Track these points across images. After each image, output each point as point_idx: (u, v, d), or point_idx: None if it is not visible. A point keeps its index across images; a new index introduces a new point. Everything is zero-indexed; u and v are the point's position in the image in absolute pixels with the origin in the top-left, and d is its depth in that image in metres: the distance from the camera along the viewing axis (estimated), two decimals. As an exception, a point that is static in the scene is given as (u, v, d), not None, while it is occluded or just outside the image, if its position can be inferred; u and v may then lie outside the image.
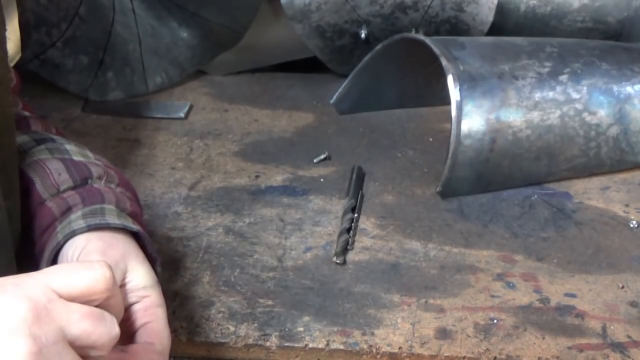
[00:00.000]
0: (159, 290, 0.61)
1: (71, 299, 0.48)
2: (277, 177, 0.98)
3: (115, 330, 0.49)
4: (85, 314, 0.47)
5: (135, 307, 0.59)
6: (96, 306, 0.50)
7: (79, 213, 0.64)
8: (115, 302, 0.52)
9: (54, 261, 0.62)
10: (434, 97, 1.11)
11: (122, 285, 0.59)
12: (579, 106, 0.94)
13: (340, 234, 0.85)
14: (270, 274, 0.81)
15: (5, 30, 0.64)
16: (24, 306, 0.45)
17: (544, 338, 0.72)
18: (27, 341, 0.44)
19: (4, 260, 0.60)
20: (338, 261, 0.82)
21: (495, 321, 0.74)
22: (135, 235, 0.64)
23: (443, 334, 0.73)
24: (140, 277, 0.60)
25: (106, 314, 0.49)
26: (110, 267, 0.50)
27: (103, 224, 0.62)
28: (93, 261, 0.51)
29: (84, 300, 0.49)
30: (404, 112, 1.12)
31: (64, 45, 1.13)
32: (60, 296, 0.47)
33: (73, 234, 0.61)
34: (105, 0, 1.13)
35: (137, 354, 0.55)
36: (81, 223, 0.62)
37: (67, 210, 0.65)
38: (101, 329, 0.48)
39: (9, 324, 0.44)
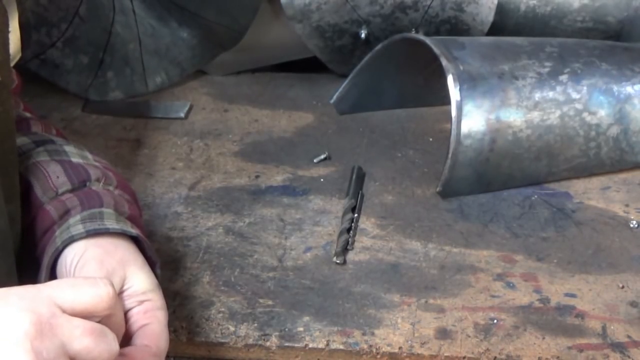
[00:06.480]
0: (160, 294, 0.61)
1: (74, 315, 0.48)
2: (277, 177, 0.98)
3: (115, 347, 0.49)
4: (87, 329, 0.47)
5: (135, 310, 0.59)
6: (97, 322, 0.50)
7: (78, 217, 0.63)
8: (115, 320, 0.52)
9: (53, 266, 0.62)
10: (434, 97, 1.11)
11: (122, 292, 0.59)
12: (579, 106, 0.94)
13: (340, 234, 0.85)
14: (270, 274, 0.81)
15: (9, 32, 0.64)
16: (27, 319, 0.45)
17: (544, 338, 0.72)
18: (29, 355, 0.44)
19: (5, 266, 0.59)
20: (338, 261, 0.82)
21: (495, 321, 0.74)
22: (134, 239, 0.64)
23: (443, 334, 0.73)
24: (140, 282, 0.60)
25: (107, 331, 0.49)
26: (113, 285, 0.51)
27: (102, 229, 0.62)
28: (97, 278, 0.51)
29: (85, 316, 0.49)
30: (404, 112, 1.12)
31: (64, 45, 1.13)
32: (64, 311, 0.47)
33: (72, 239, 0.61)
34: (105, 0, 1.13)
35: (133, 356, 0.55)
36: (80, 228, 0.61)
37: (66, 213, 0.65)
38: (102, 346, 0.48)
39: (12, 336, 0.44)
